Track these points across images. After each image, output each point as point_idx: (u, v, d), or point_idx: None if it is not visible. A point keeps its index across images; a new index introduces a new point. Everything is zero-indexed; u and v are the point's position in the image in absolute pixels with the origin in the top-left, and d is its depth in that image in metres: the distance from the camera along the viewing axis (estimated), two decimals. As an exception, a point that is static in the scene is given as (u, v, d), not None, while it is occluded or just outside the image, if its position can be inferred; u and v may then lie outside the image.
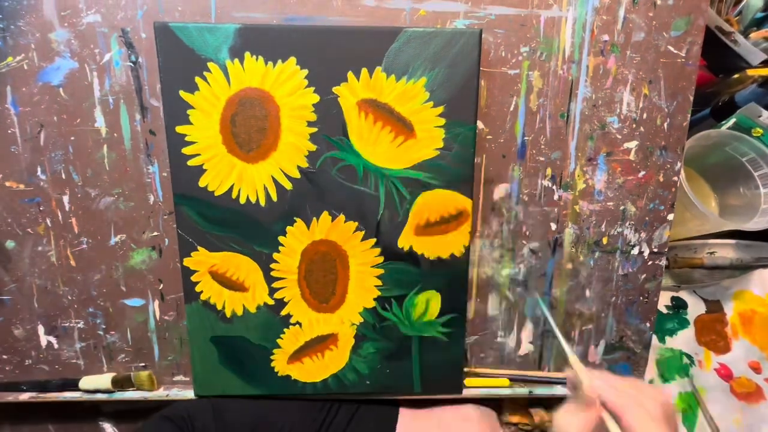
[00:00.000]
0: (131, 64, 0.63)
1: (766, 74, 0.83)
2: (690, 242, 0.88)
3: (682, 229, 0.85)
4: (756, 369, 0.86)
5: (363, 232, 0.67)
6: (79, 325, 0.72)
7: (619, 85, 0.66)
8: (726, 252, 0.89)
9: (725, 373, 0.86)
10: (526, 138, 0.68)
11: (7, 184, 0.66)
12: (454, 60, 0.61)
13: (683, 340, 0.87)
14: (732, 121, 0.81)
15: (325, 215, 0.66)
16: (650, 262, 0.73)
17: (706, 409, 0.84)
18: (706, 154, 0.84)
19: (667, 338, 0.87)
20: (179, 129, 0.62)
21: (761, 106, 0.80)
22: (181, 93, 0.61)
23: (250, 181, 0.64)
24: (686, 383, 0.85)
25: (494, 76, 0.66)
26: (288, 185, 0.64)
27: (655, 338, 0.85)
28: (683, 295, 0.88)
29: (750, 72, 0.84)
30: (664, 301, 0.88)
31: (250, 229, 0.66)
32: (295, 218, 0.66)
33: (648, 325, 0.76)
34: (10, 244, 0.68)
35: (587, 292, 0.74)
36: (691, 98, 0.67)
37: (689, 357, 0.86)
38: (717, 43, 0.83)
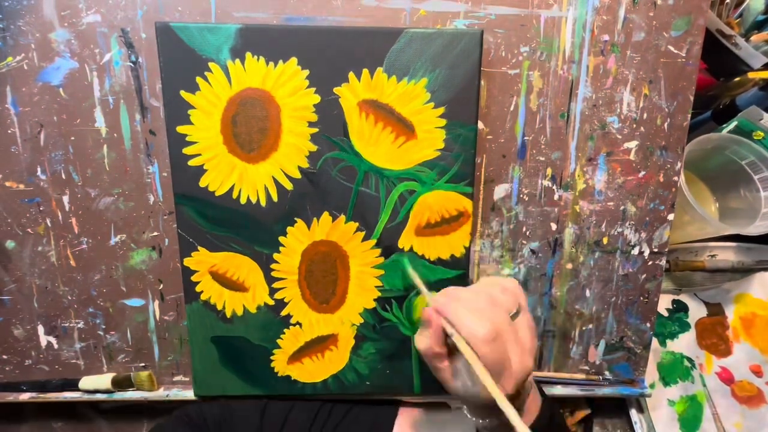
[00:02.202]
0: (131, 64, 0.63)
1: (767, 77, 0.83)
2: (691, 245, 0.88)
3: (682, 233, 0.84)
4: (757, 372, 0.86)
5: (363, 233, 0.67)
6: (79, 325, 0.71)
7: (620, 85, 0.66)
8: (727, 255, 0.89)
9: (726, 377, 0.86)
10: (526, 138, 0.68)
11: (7, 184, 0.66)
12: (455, 61, 0.62)
13: (684, 343, 0.87)
14: (733, 124, 0.81)
15: (325, 216, 0.66)
16: (650, 262, 0.73)
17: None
18: (707, 157, 0.84)
19: (668, 341, 0.86)
20: (180, 129, 0.62)
21: (762, 109, 0.80)
22: (182, 93, 0.61)
23: (251, 182, 0.64)
24: (690, 386, 0.85)
25: (494, 76, 0.66)
26: (288, 185, 0.64)
27: (655, 341, 0.85)
28: (684, 298, 0.88)
29: (751, 75, 0.83)
30: (664, 304, 0.88)
31: (251, 229, 0.66)
32: (295, 218, 0.66)
33: (648, 325, 0.75)
34: (10, 244, 0.68)
35: (587, 292, 0.73)
36: (692, 98, 0.67)
37: (690, 360, 0.86)
38: (718, 47, 0.83)
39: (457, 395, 0.51)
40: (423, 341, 0.51)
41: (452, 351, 0.51)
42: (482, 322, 0.46)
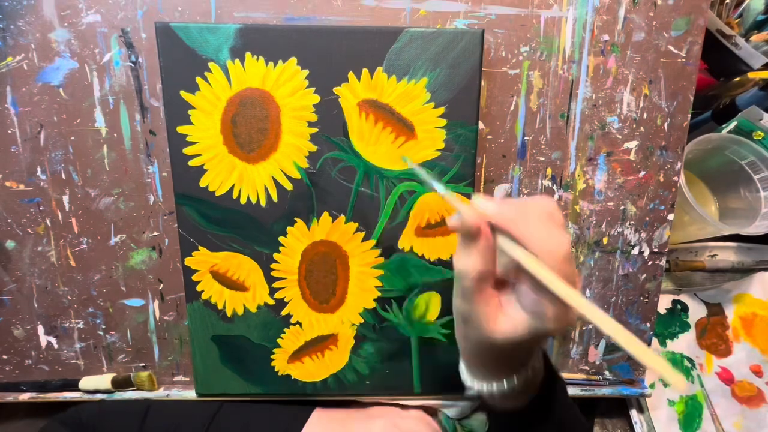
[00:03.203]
0: (131, 64, 0.63)
1: (767, 77, 0.83)
2: (691, 245, 0.88)
3: (681, 234, 0.84)
4: (757, 372, 0.86)
5: (363, 233, 0.67)
6: (79, 325, 0.71)
7: (620, 85, 0.66)
8: (727, 255, 0.89)
9: (726, 377, 0.86)
10: (526, 138, 0.68)
11: (7, 184, 0.66)
12: (455, 60, 0.61)
13: (684, 343, 0.87)
14: (733, 124, 0.81)
15: (325, 216, 0.66)
16: (650, 262, 0.73)
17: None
18: (706, 157, 0.84)
19: (668, 341, 0.86)
20: (180, 129, 0.62)
21: (762, 109, 0.80)
22: (182, 93, 0.61)
23: (251, 182, 0.64)
24: (690, 386, 0.85)
25: (494, 76, 0.66)
26: (288, 185, 0.64)
27: (655, 341, 0.85)
28: (684, 298, 0.88)
29: (751, 75, 0.84)
30: (664, 304, 0.88)
31: (251, 229, 0.66)
32: (295, 218, 0.66)
33: (648, 325, 0.75)
34: (10, 244, 0.68)
35: (587, 292, 0.73)
36: (692, 98, 0.67)
37: (690, 360, 0.86)
38: (718, 47, 0.83)
39: (497, 339, 0.40)
40: (467, 260, 0.39)
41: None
42: (563, 235, 0.36)
